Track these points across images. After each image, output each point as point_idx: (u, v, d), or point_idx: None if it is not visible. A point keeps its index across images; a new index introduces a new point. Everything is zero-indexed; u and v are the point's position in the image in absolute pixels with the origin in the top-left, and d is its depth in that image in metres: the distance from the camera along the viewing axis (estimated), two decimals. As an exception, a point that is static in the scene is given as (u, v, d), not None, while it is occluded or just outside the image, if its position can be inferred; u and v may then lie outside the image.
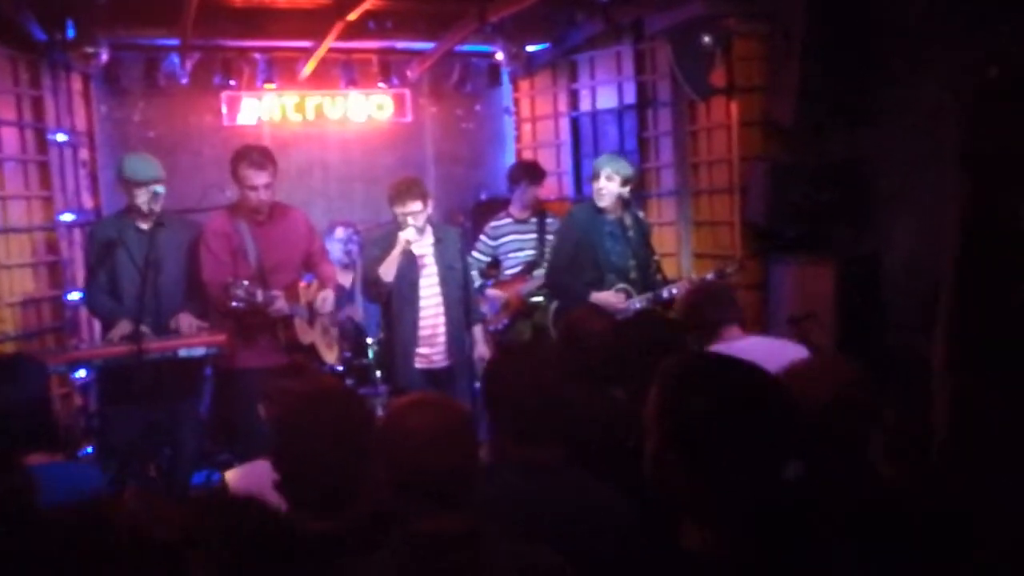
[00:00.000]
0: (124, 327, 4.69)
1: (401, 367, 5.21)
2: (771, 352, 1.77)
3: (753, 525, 1.60)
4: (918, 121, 4.79)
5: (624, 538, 2.36)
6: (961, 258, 2.34)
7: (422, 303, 5.21)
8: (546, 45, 7.56)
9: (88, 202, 6.60)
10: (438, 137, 8.08)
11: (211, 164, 6.91)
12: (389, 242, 5.11)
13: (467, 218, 7.61)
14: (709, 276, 5.42)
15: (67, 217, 6.22)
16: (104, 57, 6.23)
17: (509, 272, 6.38)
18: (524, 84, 8.05)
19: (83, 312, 6.18)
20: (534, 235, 6.37)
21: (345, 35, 6.30)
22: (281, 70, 7.16)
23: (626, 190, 5.37)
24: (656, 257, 5.60)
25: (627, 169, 5.39)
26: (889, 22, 5.15)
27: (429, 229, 5.26)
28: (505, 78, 8.02)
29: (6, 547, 1.49)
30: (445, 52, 7.12)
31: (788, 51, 5.48)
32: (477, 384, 5.31)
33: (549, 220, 6.37)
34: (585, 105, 7.64)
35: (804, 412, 2.24)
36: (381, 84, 7.46)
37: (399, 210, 5.07)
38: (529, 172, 6.53)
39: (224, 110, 7.22)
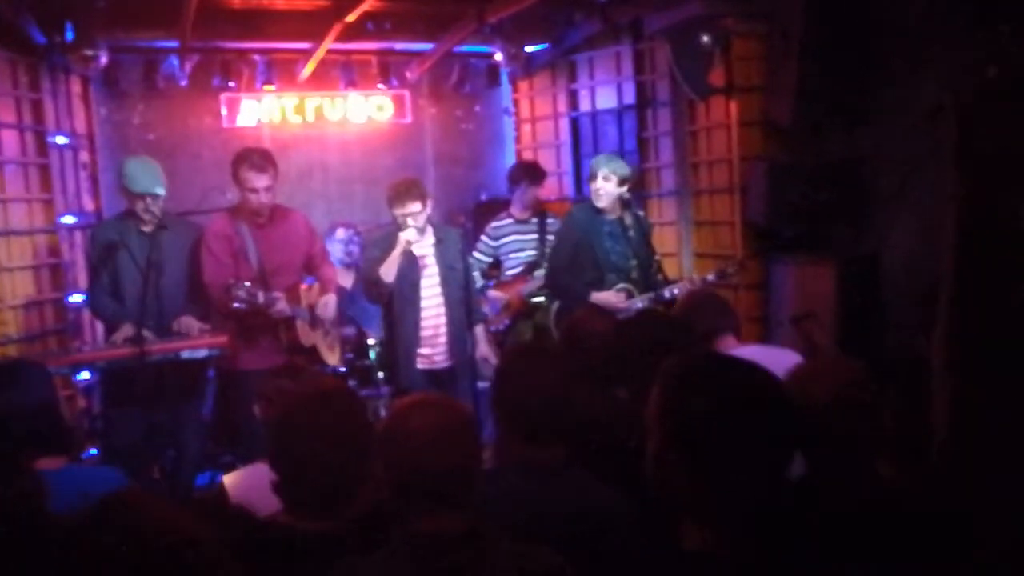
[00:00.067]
0: (127, 330, 4.70)
1: (403, 368, 5.21)
2: (767, 361, 1.78)
3: (754, 525, 1.61)
4: (917, 121, 4.79)
5: (625, 538, 2.37)
6: (960, 258, 2.35)
7: (423, 304, 5.22)
8: (545, 45, 7.57)
9: (89, 204, 6.61)
10: (438, 138, 8.09)
11: (211, 166, 6.92)
12: (389, 243, 5.11)
13: (468, 219, 7.62)
14: (710, 276, 5.43)
15: (68, 219, 6.22)
16: (103, 60, 6.25)
17: (510, 273, 6.39)
18: (523, 85, 8.05)
19: (85, 314, 6.19)
20: (535, 235, 6.38)
21: (344, 36, 6.30)
22: (280, 72, 7.16)
23: (624, 190, 5.38)
24: (657, 257, 5.61)
25: (624, 169, 5.40)
26: (888, 22, 5.16)
27: (430, 230, 5.26)
28: (504, 79, 8.03)
29: (29, 550, 1.50)
30: (444, 53, 7.12)
31: (786, 51, 5.48)
32: (479, 384, 5.32)
33: (550, 220, 6.38)
34: (584, 105, 7.64)
35: (805, 412, 2.25)
36: (380, 85, 7.47)
37: (398, 211, 5.07)
38: (529, 172, 6.54)
39: (224, 112, 7.23)
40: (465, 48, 7.29)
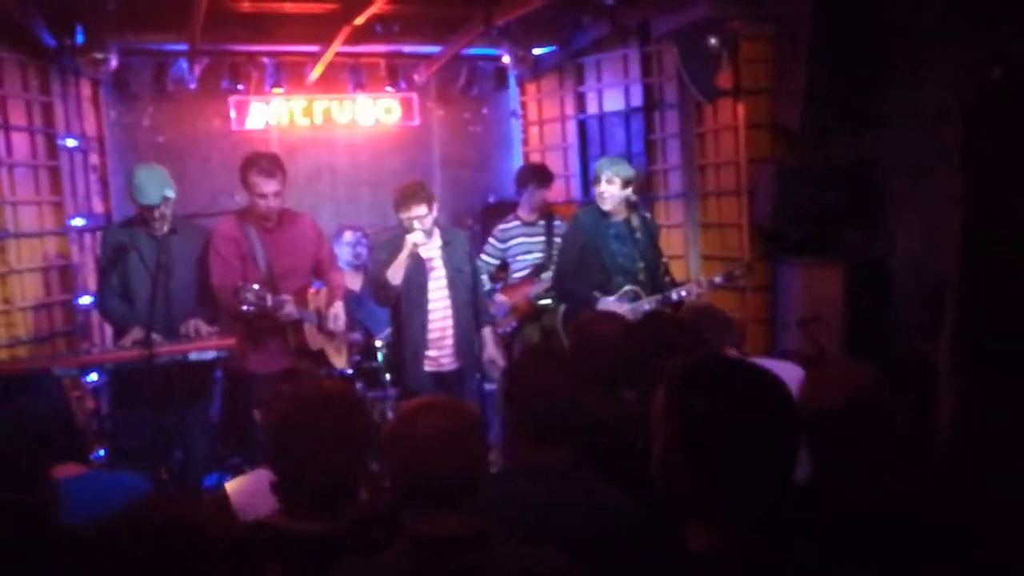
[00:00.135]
0: (136, 333, 4.72)
1: (410, 370, 5.23)
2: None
3: (759, 527, 1.61)
4: (925, 123, 4.79)
5: (633, 540, 2.37)
6: (966, 260, 2.34)
7: (430, 306, 5.22)
8: (552, 48, 7.57)
9: (98, 207, 6.64)
10: (445, 140, 8.10)
11: (220, 169, 6.94)
12: (396, 246, 5.12)
13: (475, 221, 7.61)
14: (717, 279, 5.43)
15: (78, 222, 6.25)
16: (113, 63, 6.26)
17: (517, 275, 6.40)
18: (531, 87, 8.06)
19: (94, 316, 6.21)
20: (542, 238, 6.39)
21: (352, 39, 6.32)
22: (289, 74, 7.18)
23: (629, 192, 5.37)
24: (664, 259, 5.61)
25: (627, 171, 5.39)
26: (895, 24, 5.15)
27: (437, 232, 5.27)
28: (512, 81, 8.04)
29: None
30: (452, 56, 7.14)
31: (795, 53, 5.48)
32: (487, 386, 5.33)
33: (557, 223, 6.39)
34: (592, 108, 7.65)
35: (819, 415, 2.25)
36: (388, 88, 7.48)
37: (404, 215, 5.08)
38: (537, 175, 6.54)
39: (233, 115, 7.25)
40: (473, 51, 7.31)
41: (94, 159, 6.63)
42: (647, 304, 5.25)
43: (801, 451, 1.78)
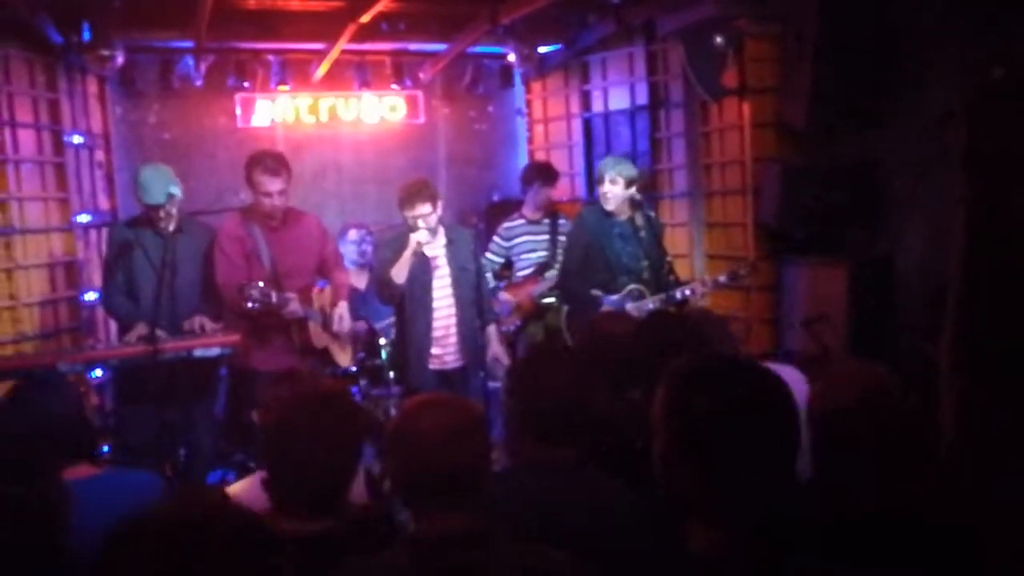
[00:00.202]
0: (140, 328, 4.73)
1: (414, 368, 5.22)
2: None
3: (760, 527, 1.61)
4: (929, 123, 4.78)
5: (636, 538, 2.37)
6: (968, 260, 2.34)
7: (435, 304, 5.22)
8: (558, 46, 7.57)
9: (104, 203, 6.65)
10: (451, 138, 8.10)
11: (225, 166, 6.95)
12: (401, 244, 5.12)
13: (480, 219, 7.62)
14: (722, 278, 5.43)
15: (83, 218, 6.27)
16: (120, 60, 6.28)
17: (521, 274, 6.40)
18: (536, 85, 8.06)
19: (99, 312, 6.23)
20: (547, 236, 6.39)
21: (358, 37, 6.33)
22: (295, 72, 7.19)
23: (633, 191, 5.37)
24: (669, 258, 5.61)
25: (630, 170, 5.39)
26: (900, 24, 5.14)
27: (441, 230, 5.27)
28: (517, 79, 8.03)
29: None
30: (457, 54, 7.14)
31: (800, 53, 5.47)
32: (491, 384, 5.33)
33: (561, 221, 6.39)
34: (597, 106, 7.64)
35: (826, 415, 2.25)
36: (394, 86, 7.48)
37: (409, 213, 5.08)
38: (542, 173, 6.54)
39: (238, 112, 7.26)
40: (478, 49, 7.31)
41: (100, 156, 6.65)
42: (651, 303, 5.25)
43: (803, 451, 1.78)
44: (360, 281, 6.38)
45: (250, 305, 4.68)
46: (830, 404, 2.34)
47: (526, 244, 6.41)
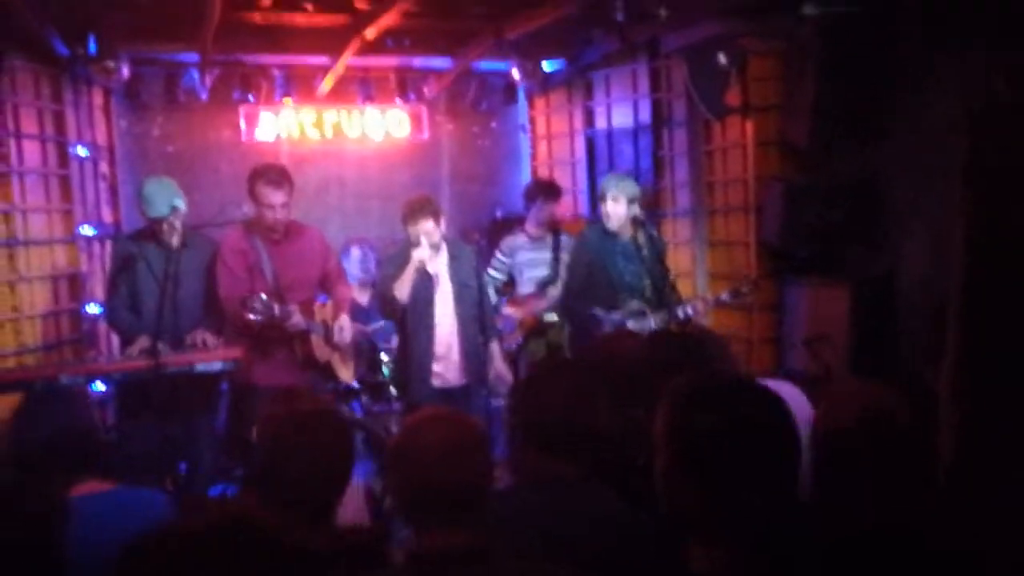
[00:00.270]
0: (142, 342, 4.73)
1: (416, 384, 5.22)
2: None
3: (762, 546, 1.61)
4: (931, 138, 4.79)
5: (639, 554, 2.36)
6: (968, 274, 2.34)
7: (437, 321, 5.22)
8: (562, 63, 7.58)
9: (108, 216, 6.66)
10: (454, 154, 8.11)
11: (229, 179, 6.95)
12: (403, 260, 5.13)
13: (482, 236, 7.62)
14: (724, 296, 5.43)
15: (87, 230, 6.27)
16: (125, 72, 6.30)
17: (523, 290, 6.40)
18: (540, 102, 8.07)
19: (101, 325, 6.23)
20: (549, 253, 6.39)
21: (363, 52, 6.35)
22: (299, 86, 7.20)
23: (635, 209, 5.38)
24: (671, 276, 5.61)
25: (632, 189, 5.40)
26: (902, 39, 5.14)
27: (444, 247, 5.28)
28: (521, 96, 8.05)
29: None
30: (462, 70, 7.15)
31: (803, 71, 5.48)
32: (493, 402, 5.32)
33: (564, 238, 6.39)
34: (600, 123, 7.64)
35: (829, 434, 2.25)
36: (398, 101, 7.50)
37: (411, 229, 5.09)
38: (545, 190, 6.55)
39: (243, 126, 7.27)
40: (482, 65, 7.33)
41: (104, 168, 6.66)
42: (653, 321, 5.25)
43: (804, 469, 1.78)
44: (363, 298, 6.38)
45: (252, 317, 4.68)
46: (831, 423, 2.33)
47: (528, 261, 6.41)
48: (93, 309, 6.17)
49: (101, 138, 6.63)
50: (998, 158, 2.45)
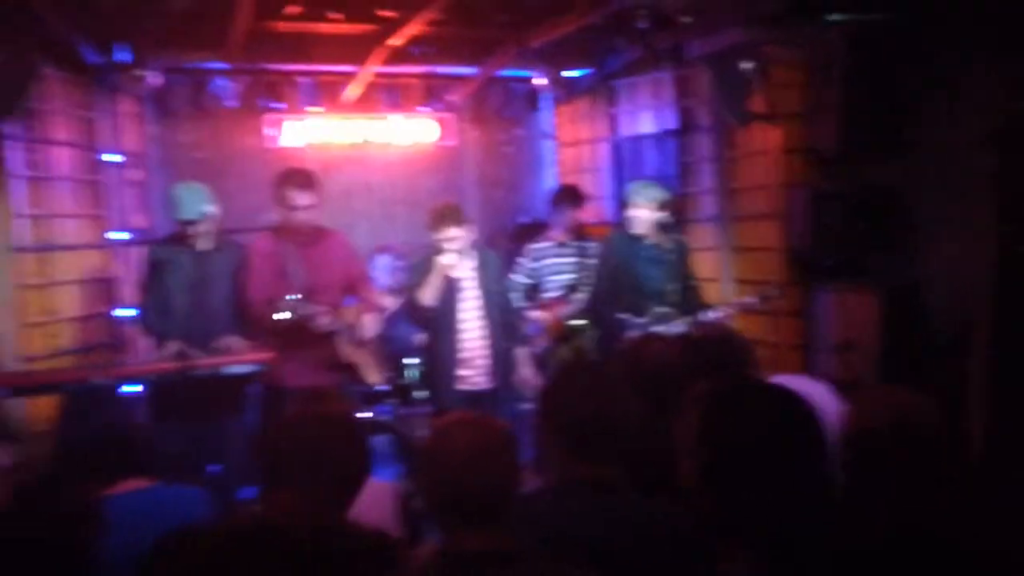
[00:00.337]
0: (172, 346, 4.78)
1: (443, 389, 5.26)
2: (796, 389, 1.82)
3: (790, 550, 1.62)
4: (958, 149, 4.77)
5: (668, 558, 2.36)
6: (998, 287, 2.34)
7: (463, 327, 5.26)
8: (586, 71, 7.60)
9: (138, 222, 6.72)
10: (480, 161, 8.14)
11: (256, 186, 6.98)
12: (429, 266, 5.17)
13: (508, 241, 7.64)
14: (752, 300, 5.43)
15: (118, 236, 6.35)
16: (155, 80, 6.37)
17: (549, 296, 6.41)
18: (565, 109, 8.09)
19: (133, 328, 6.29)
20: (574, 259, 6.39)
21: (389, 60, 6.40)
22: (326, 94, 7.26)
23: (661, 215, 5.39)
24: (695, 282, 5.61)
25: (658, 194, 5.41)
26: (929, 50, 5.13)
27: (471, 253, 5.31)
28: (546, 103, 8.08)
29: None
30: (487, 77, 7.19)
31: (828, 78, 5.47)
32: (520, 406, 5.34)
33: (589, 244, 6.40)
34: (625, 130, 7.66)
35: (858, 436, 2.25)
36: (424, 108, 7.54)
37: (437, 236, 5.13)
38: (570, 196, 6.56)
39: (270, 133, 7.33)
40: (507, 72, 7.36)
41: (134, 175, 6.73)
42: (677, 326, 5.25)
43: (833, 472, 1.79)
44: (390, 303, 6.42)
45: (280, 317, 4.71)
46: (862, 424, 2.33)
47: (553, 266, 6.42)
48: (124, 313, 6.24)
49: (131, 145, 6.70)
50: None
